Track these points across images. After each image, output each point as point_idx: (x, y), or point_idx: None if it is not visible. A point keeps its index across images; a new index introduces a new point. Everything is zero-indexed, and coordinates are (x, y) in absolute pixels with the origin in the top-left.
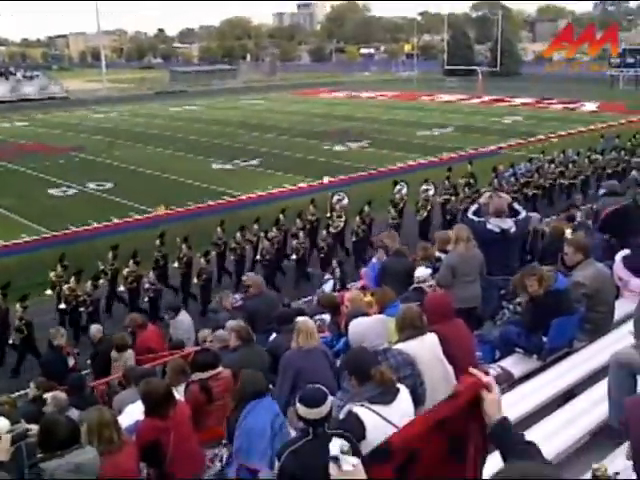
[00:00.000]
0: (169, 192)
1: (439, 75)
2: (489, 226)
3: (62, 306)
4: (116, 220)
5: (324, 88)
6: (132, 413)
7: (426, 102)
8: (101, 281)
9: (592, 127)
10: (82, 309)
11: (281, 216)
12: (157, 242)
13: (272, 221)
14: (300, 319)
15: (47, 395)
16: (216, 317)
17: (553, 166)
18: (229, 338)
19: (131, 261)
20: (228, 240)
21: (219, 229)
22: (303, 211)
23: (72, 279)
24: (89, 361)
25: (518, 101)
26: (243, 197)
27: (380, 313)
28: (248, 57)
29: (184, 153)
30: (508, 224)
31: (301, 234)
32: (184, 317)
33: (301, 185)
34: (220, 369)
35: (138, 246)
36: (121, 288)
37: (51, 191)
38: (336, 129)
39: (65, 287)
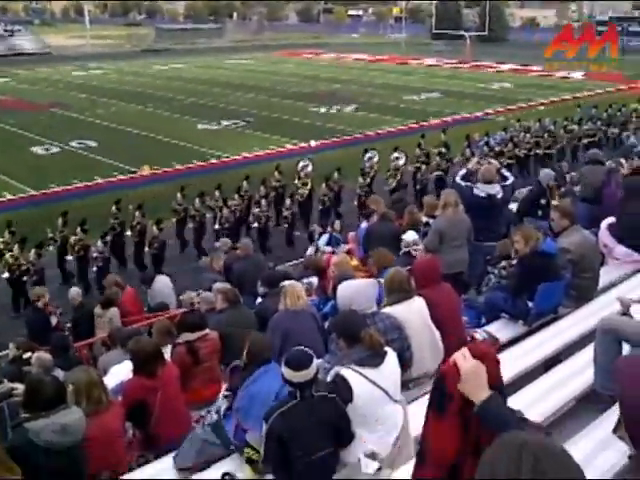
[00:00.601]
0: (154, 152)
1: (427, 39)
2: (476, 191)
3: (5, 275)
4: (100, 180)
5: (311, 49)
6: (117, 374)
7: (414, 66)
8: (51, 248)
9: (584, 93)
10: (25, 278)
11: (244, 183)
12: (113, 209)
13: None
14: (287, 282)
15: (27, 355)
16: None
17: (528, 136)
18: (215, 300)
19: (79, 229)
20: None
21: (179, 195)
22: (267, 178)
23: (16, 247)
24: (69, 324)
25: (505, 67)
26: (228, 158)
27: (378, 275)
28: (235, 16)
29: (169, 113)
30: (495, 189)
31: (263, 202)
32: (160, 284)
33: (287, 147)
34: (207, 331)
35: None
36: (69, 257)
37: (34, 149)
38: (323, 91)
39: (7, 255)
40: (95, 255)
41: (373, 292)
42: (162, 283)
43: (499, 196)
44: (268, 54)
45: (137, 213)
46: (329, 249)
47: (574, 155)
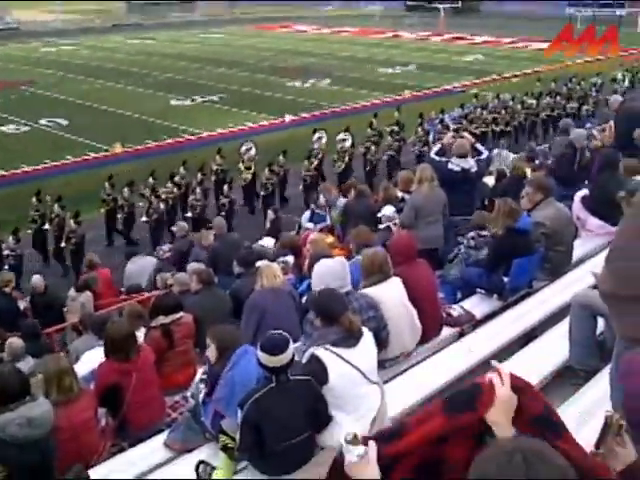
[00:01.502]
0: (126, 129)
1: (402, 11)
2: (450, 166)
3: None
4: (72, 158)
5: (285, 22)
6: (89, 361)
7: (388, 39)
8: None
9: (556, 65)
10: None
11: (181, 169)
12: (33, 200)
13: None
14: (263, 262)
15: None
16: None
17: (485, 112)
18: (190, 281)
19: (56, 205)
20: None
21: (107, 184)
22: (206, 162)
23: None
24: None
25: (479, 39)
26: (203, 134)
27: (357, 253)
28: None
29: (141, 89)
30: (469, 163)
31: (198, 190)
32: (133, 265)
33: (262, 123)
34: (181, 314)
35: (92, 187)
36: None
37: (2, 128)
38: (297, 65)
39: None
40: (6, 253)
41: (347, 271)
42: (134, 264)
43: (473, 170)
44: (241, 28)
45: (56, 206)
46: (311, 225)
47: (531, 131)
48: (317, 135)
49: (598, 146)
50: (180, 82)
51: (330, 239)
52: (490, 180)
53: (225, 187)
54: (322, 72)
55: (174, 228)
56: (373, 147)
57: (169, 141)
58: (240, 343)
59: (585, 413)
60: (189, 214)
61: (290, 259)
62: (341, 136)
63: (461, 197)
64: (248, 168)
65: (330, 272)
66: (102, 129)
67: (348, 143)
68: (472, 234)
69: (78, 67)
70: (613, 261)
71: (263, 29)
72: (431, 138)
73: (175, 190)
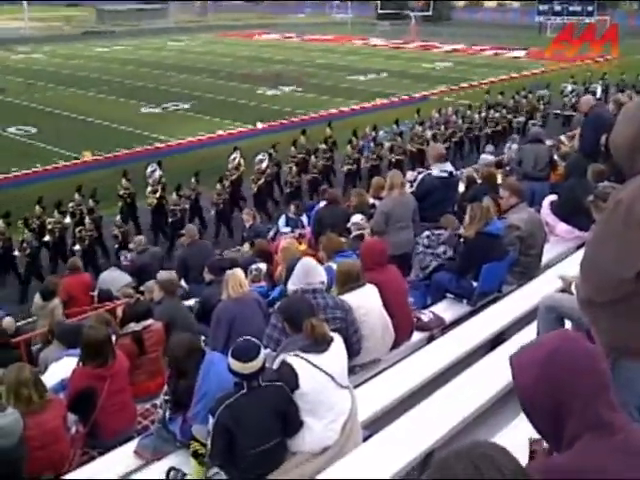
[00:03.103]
0: (95, 137)
1: (373, 19)
2: (434, 173)
3: None
4: (40, 167)
5: (257, 30)
6: (56, 373)
7: (360, 46)
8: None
9: (524, 73)
10: None
11: (76, 195)
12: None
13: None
14: (229, 271)
15: None
16: None
17: (421, 128)
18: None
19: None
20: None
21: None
22: (94, 189)
23: None
24: None
25: (449, 47)
26: (173, 143)
27: (328, 260)
28: None
29: (112, 96)
30: (450, 167)
31: (87, 220)
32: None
33: (231, 131)
34: (151, 321)
35: (61, 195)
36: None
37: None
38: (269, 73)
39: None
40: None
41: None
42: (106, 273)
43: (454, 173)
44: (213, 35)
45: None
46: (288, 229)
47: (476, 147)
48: (232, 155)
49: (566, 152)
50: (150, 89)
51: (303, 246)
52: (460, 187)
53: (87, 219)
54: (294, 79)
55: (131, 245)
56: (295, 167)
57: (139, 149)
58: (198, 352)
59: None
60: (77, 247)
61: (263, 266)
62: (259, 157)
63: (442, 201)
64: (154, 192)
65: (313, 268)
66: (71, 137)
67: (264, 164)
68: (427, 233)
69: (47, 75)
70: (586, 268)
71: (234, 36)
72: (365, 154)
73: (65, 220)
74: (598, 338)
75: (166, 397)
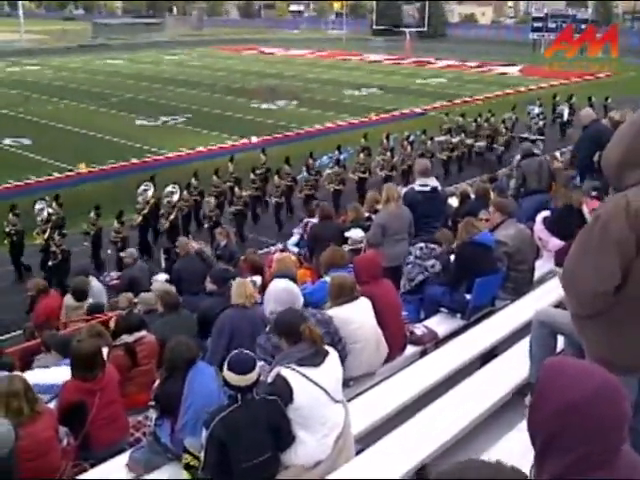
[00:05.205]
0: (91, 150)
1: (368, 35)
2: (418, 188)
3: None
4: (35, 179)
5: (252, 45)
6: (53, 375)
7: (354, 62)
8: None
9: (520, 89)
10: None
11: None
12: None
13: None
14: (238, 280)
15: None
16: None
17: (362, 156)
18: (154, 302)
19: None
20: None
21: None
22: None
23: None
24: None
25: (444, 63)
26: (169, 155)
27: (326, 274)
28: (174, 10)
29: (107, 109)
30: (434, 182)
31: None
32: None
33: (224, 145)
34: (144, 333)
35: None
36: None
37: None
38: (264, 87)
39: None
40: None
41: (288, 296)
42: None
43: (439, 189)
44: (209, 50)
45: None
46: (296, 250)
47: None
48: (142, 187)
49: (559, 168)
50: (146, 102)
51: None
52: (454, 201)
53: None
54: (289, 94)
55: (123, 254)
56: (213, 200)
57: (134, 161)
58: (192, 357)
59: None
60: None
61: (257, 279)
62: (169, 189)
63: (427, 216)
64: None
65: (269, 295)
66: (67, 149)
67: (175, 197)
68: (421, 245)
69: (43, 87)
70: (565, 282)
71: (230, 51)
72: (301, 183)
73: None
74: (587, 351)
75: (152, 402)
